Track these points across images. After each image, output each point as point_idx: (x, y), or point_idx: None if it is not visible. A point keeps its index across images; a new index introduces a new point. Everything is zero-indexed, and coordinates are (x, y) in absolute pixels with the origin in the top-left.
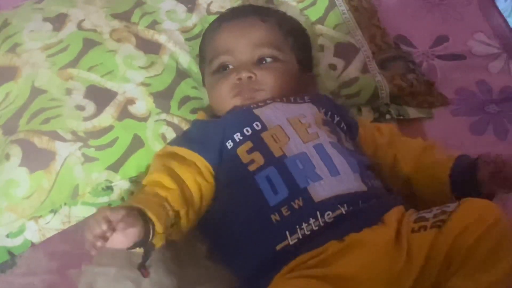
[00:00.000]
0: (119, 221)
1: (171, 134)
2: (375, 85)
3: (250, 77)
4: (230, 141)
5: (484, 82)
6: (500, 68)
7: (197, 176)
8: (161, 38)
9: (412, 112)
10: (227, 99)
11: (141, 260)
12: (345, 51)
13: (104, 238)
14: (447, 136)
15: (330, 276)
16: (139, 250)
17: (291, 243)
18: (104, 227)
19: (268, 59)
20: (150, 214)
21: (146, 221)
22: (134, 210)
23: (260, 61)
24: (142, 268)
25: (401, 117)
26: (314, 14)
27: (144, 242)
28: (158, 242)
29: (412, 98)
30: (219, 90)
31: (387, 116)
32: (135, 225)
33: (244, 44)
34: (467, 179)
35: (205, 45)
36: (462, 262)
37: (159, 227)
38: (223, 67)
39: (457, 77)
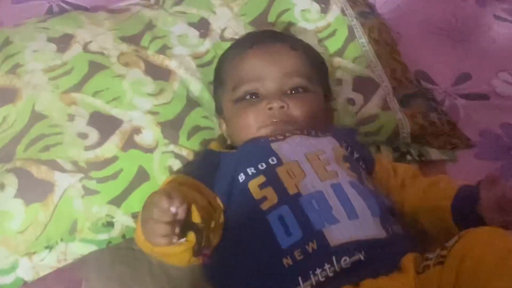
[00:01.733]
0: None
1: (178, 167)
2: (396, 123)
3: (282, 107)
4: (242, 174)
5: (509, 124)
6: None
7: (208, 208)
8: (172, 64)
9: (434, 154)
10: (253, 128)
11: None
12: (364, 85)
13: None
14: (471, 181)
15: None
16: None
17: None
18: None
19: (299, 89)
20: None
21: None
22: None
23: (291, 91)
24: (200, 253)
25: (423, 159)
26: (333, 45)
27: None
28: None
29: (434, 139)
30: (245, 119)
31: (408, 157)
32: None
33: (275, 72)
34: (469, 207)
35: (226, 70)
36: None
37: (196, 215)
38: (250, 95)
39: (481, 118)
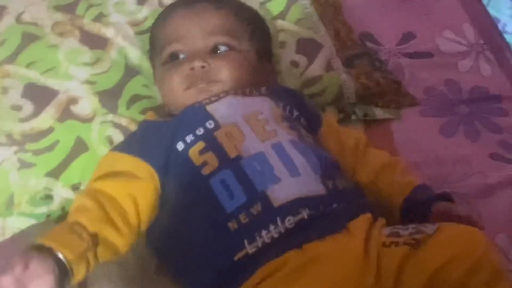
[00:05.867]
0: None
1: (118, 137)
2: (340, 84)
3: (203, 67)
4: (180, 142)
5: (453, 81)
6: (470, 66)
7: (132, 189)
8: (109, 32)
9: (379, 113)
10: (179, 91)
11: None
12: (307, 47)
13: None
14: (416, 138)
15: None
16: None
17: (250, 252)
18: None
19: (223, 48)
20: (53, 246)
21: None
22: (43, 252)
23: (215, 50)
24: None
25: (368, 118)
26: (275, 8)
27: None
28: (81, 268)
29: (379, 98)
30: (170, 81)
31: (353, 117)
32: (46, 272)
33: (196, 31)
34: (417, 214)
35: (155, 34)
36: None
37: (68, 254)
38: (174, 57)
39: (425, 76)
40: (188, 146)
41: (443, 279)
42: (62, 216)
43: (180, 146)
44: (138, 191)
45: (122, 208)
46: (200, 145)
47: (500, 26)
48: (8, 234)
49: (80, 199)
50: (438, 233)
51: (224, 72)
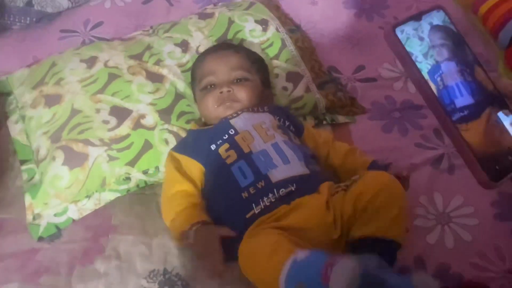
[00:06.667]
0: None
1: (172, 139)
2: (315, 101)
3: (229, 91)
4: (214, 144)
5: (390, 96)
6: (401, 87)
7: (193, 176)
8: (164, 71)
9: (341, 118)
10: (213, 108)
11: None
12: (293, 77)
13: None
14: (366, 135)
15: (283, 226)
16: None
17: (256, 212)
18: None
19: (241, 79)
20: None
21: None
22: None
23: (235, 80)
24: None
25: (334, 122)
26: (271, 52)
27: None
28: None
29: (341, 109)
30: (206, 102)
31: (324, 122)
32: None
33: (223, 68)
34: None
35: (195, 70)
36: (360, 214)
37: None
38: (209, 85)
39: (372, 93)
40: (218, 146)
41: (363, 201)
42: (137, 191)
43: (213, 147)
44: (195, 178)
45: (193, 194)
46: (226, 145)
47: (413, 57)
48: (102, 203)
49: (180, 185)
50: (359, 179)
51: (242, 94)
